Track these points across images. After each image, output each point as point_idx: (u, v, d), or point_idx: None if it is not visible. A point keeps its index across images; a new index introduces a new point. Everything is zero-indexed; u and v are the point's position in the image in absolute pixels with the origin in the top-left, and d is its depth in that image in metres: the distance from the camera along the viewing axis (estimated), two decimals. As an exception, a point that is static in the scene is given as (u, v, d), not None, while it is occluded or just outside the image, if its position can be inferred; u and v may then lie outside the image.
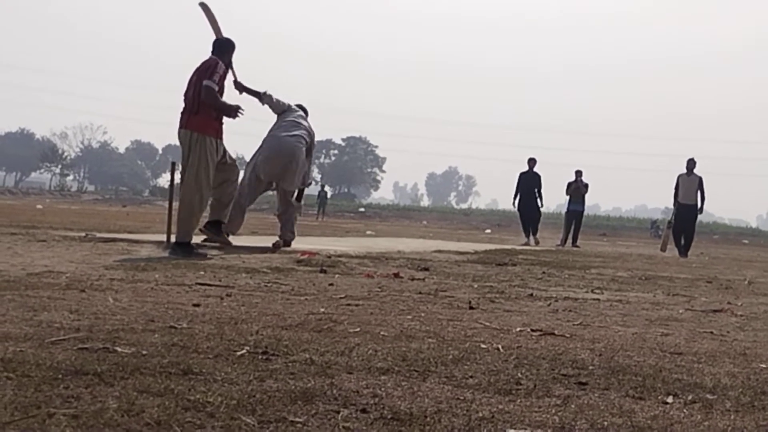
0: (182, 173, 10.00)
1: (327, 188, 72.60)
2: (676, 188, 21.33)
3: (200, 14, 10.69)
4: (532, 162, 24.75)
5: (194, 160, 9.83)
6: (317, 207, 63.92)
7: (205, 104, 9.85)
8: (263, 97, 11.69)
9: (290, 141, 11.66)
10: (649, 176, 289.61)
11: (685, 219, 21.24)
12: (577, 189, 25.28)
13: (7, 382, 2.79)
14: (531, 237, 24.19)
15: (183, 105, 10.00)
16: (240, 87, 11.22)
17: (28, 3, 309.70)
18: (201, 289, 6.07)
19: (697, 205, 21.12)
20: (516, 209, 25.03)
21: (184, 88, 10.08)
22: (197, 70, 10.05)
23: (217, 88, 9.92)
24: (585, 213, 26.44)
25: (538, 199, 24.58)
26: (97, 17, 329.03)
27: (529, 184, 24.45)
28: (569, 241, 24.84)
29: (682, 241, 21.27)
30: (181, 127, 9.92)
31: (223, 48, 10.40)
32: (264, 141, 11.85)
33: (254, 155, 11.86)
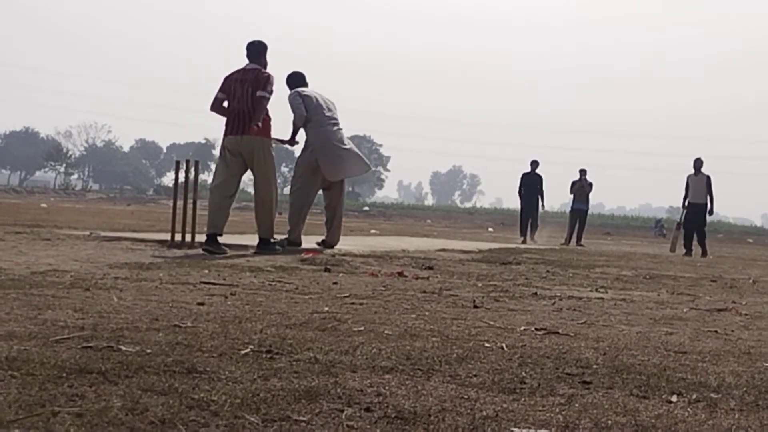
0: (257, 176, 10.49)
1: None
2: (686, 188, 21.31)
3: None
4: (534, 164, 25.10)
5: (267, 163, 10.41)
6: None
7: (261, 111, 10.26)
8: (298, 124, 11.57)
9: (337, 130, 11.69)
10: (653, 175, 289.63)
11: (694, 218, 21.20)
12: (581, 188, 25.29)
13: (11, 380, 2.79)
14: (529, 236, 24.46)
15: (237, 112, 10.30)
16: (292, 141, 11.60)
17: (32, 2, 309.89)
18: (205, 288, 6.08)
19: (706, 204, 21.08)
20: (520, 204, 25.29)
21: (235, 96, 10.35)
22: (248, 81, 10.33)
23: (270, 99, 10.41)
24: (589, 212, 26.52)
25: (540, 200, 25.03)
26: (102, 16, 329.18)
27: (531, 185, 24.90)
28: (573, 239, 24.86)
29: (695, 241, 21.23)
30: (241, 133, 10.23)
31: (262, 51, 10.67)
32: (310, 142, 11.59)
33: (303, 159, 11.80)
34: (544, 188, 25.00)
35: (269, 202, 10.47)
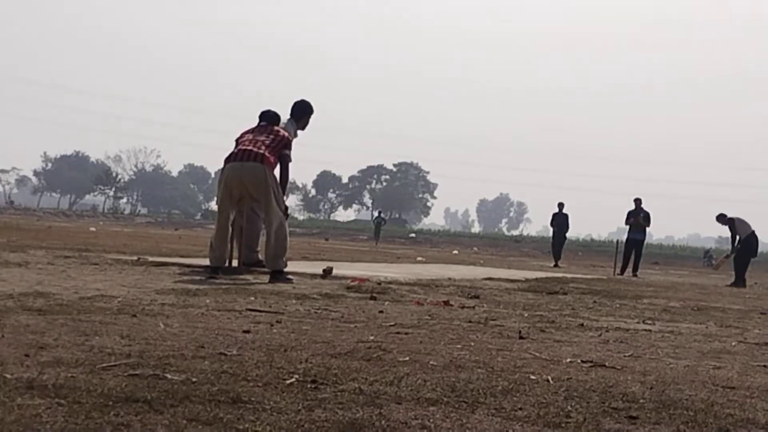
0: (263, 204, 10.37)
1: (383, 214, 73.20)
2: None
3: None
4: (561, 205, 30.37)
5: (270, 191, 10.18)
6: (374, 232, 64.71)
7: (275, 152, 10.30)
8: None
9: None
10: (702, 205, 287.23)
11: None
12: (636, 218, 25.12)
13: (58, 408, 2.81)
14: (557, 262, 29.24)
15: (242, 147, 10.33)
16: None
17: (84, 26, 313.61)
18: (251, 315, 6.09)
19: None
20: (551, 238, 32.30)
21: (243, 139, 10.49)
22: (263, 132, 10.48)
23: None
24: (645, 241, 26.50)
25: (565, 234, 31.14)
26: (152, 40, 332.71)
27: (560, 223, 30.50)
28: (629, 270, 24.68)
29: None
30: (244, 160, 10.21)
31: (276, 121, 10.86)
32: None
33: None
34: (569, 224, 30.76)
35: (286, 233, 10.33)
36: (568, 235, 31.93)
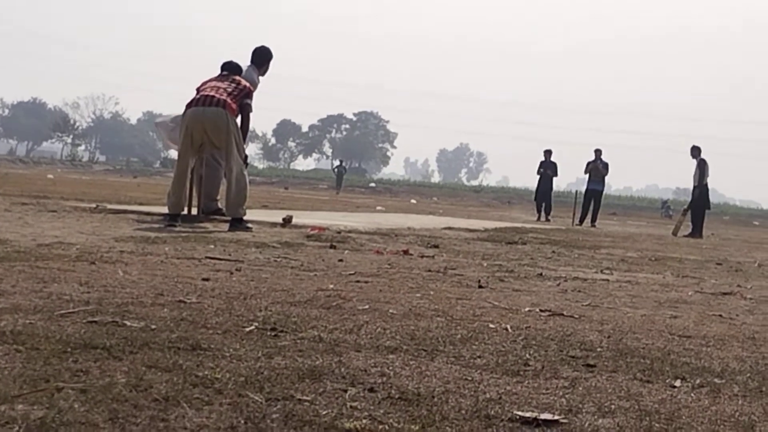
0: (223, 150, 10.35)
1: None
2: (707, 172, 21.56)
3: None
4: (548, 153, 27.93)
5: (232, 136, 10.14)
6: (336, 182, 64.51)
7: (237, 100, 10.25)
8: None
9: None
10: (660, 156, 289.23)
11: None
12: (595, 168, 25.17)
13: (16, 354, 2.79)
14: (543, 215, 26.85)
15: (203, 94, 10.22)
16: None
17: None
18: (210, 263, 6.07)
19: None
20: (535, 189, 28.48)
21: (207, 85, 10.44)
22: (225, 81, 10.45)
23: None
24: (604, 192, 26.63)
25: (552, 185, 28.04)
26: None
27: (547, 172, 27.62)
28: (587, 220, 24.82)
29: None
30: (205, 105, 10.10)
31: (239, 72, 10.85)
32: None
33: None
34: (557, 174, 27.83)
35: (241, 178, 10.18)
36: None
